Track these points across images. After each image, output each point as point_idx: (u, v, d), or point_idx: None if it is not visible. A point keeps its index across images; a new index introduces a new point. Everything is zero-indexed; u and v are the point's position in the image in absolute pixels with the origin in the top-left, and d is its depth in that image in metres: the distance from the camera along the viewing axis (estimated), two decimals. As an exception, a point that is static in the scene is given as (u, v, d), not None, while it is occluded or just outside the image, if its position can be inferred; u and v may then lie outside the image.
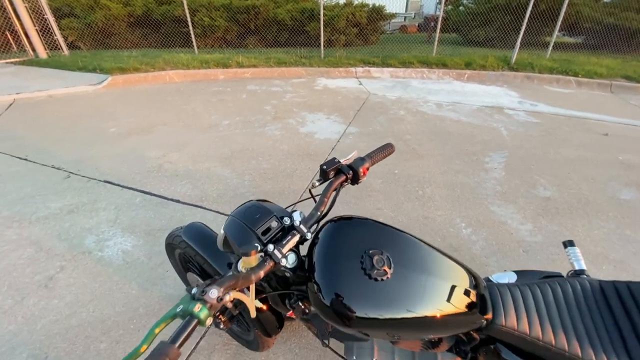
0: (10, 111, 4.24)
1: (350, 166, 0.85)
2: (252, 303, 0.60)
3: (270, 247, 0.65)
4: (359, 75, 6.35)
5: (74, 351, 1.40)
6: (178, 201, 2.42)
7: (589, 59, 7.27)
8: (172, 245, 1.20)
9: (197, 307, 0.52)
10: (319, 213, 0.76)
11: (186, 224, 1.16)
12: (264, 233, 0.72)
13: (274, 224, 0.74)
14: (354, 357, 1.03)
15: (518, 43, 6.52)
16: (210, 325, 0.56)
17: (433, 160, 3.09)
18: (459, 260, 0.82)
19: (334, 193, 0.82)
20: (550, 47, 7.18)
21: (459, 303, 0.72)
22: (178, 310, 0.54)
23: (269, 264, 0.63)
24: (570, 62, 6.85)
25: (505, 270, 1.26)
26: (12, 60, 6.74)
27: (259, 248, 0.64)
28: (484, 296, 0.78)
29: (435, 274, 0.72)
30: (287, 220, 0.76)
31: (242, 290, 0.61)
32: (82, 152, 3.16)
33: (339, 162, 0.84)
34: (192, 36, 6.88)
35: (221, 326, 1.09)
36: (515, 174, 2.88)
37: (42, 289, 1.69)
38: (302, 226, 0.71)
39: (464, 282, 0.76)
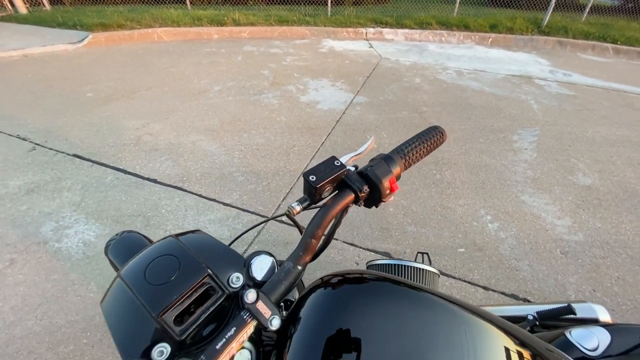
0: (-20, 71, 3.81)
1: (366, 176, 0.45)
2: None
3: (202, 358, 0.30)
4: (370, 37, 5.69)
5: (12, 372, 1.15)
6: (155, 181, 2.09)
7: (629, 23, 6.44)
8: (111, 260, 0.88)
9: None
10: (299, 267, 0.40)
11: (120, 232, 0.81)
12: (181, 321, 0.36)
13: (208, 289, 0.38)
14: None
15: (552, 3, 5.72)
16: None
17: (453, 137, 2.67)
18: (524, 336, 0.46)
19: (331, 223, 0.45)
20: (587, 9, 6.34)
21: None
22: None
23: None
24: (608, 26, 6.07)
25: (587, 302, 0.88)
26: (-12, 14, 6.13)
27: None
28: None
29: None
30: (236, 282, 0.40)
31: None
32: (53, 120, 2.78)
33: (342, 165, 0.44)
34: (184, -12, 6.14)
35: None
36: (549, 156, 2.48)
37: (-16, 288, 1.42)
38: (260, 302, 0.34)
39: None
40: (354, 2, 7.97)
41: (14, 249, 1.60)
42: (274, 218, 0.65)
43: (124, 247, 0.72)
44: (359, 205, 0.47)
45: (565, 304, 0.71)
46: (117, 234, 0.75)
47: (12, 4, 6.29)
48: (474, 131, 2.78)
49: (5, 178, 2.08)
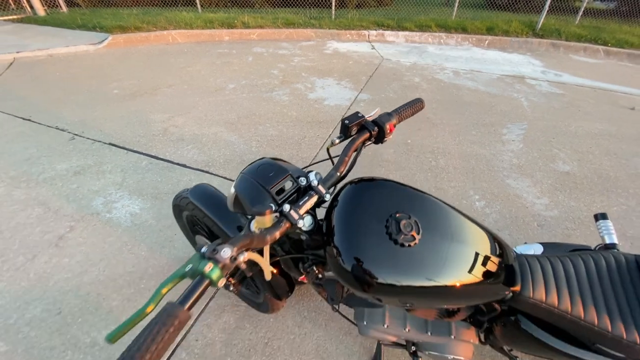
0: (10, 70, 4.12)
1: (375, 122, 0.76)
2: (267, 265, 0.56)
3: (286, 207, 0.59)
4: (372, 39, 5.98)
5: (87, 307, 1.43)
6: (184, 166, 2.38)
7: (620, 26, 6.71)
8: (179, 207, 1.16)
9: (209, 267, 0.47)
10: (338, 174, 0.69)
11: (193, 185, 1.11)
12: (278, 193, 0.66)
13: (289, 183, 0.68)
14: (364, 322, 1.01)
15: (546, 7, 6.01)
16: (221, 286, 0.51)
17: (448, 130, 2.96)
18: (488, 229, 0.76)
19: (354, 153, 0.74)
20: (580, 13, 6.62)
21: (485, 273, 0.67)
22: (187, 269, 0.49)
23: (285, 225, 0.57)
24: (600, 29, 6.34)
25: (525, 243, 1.21)
26: (10, 17, 6.46)
27: (274, 208, 0.58)
28: (513, 267, 0.73)
29: (463, 241, 0.66)
30: (303, 181, 0.69)
31: (256, 252, 0.56)
32: (86, 113, 3.08)
33: (362, 117, 0.75)
34: (195, -7, 6.45)
35: (231, 288, 1.07)
36: (534, 147, 2.76)
37: (53, 248, 1.70)
38: (320, 187, 0.64)
39: (492, 251, 0.70)
40: (356, 5, 8.29)
41: (72, 218, 1.89)
42: (319, 162, 0.94)
43: (201, 191, 1.03)
44: (371, 142, 0.76)
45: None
46: (187, 189, 1.06)
47: (31, 6, 6.63)
48: (467, 125, 3.06)
49: (53, 162, 2.37)
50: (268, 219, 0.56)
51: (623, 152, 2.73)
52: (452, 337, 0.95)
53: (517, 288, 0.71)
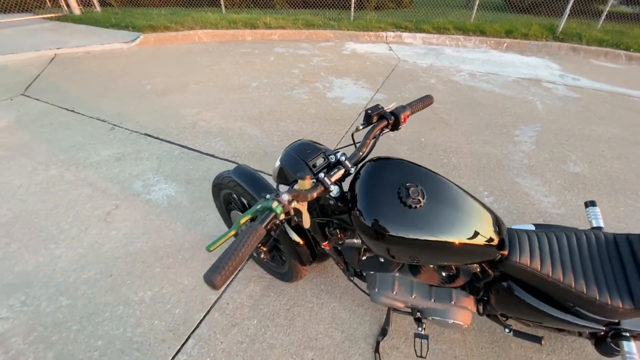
0: (52, 65, 4.48)
1: (392, 112, 0.93)
2: (307, 214, 0.73)
3: (321, 175, 0.76)
4: (390, 41, 6.10)
5: (134, 272, 1.65)
6: (213, 156, 2.59)
7: (646, 30, 6.57)
8: (220, 185, 1.36)
9: (275, 204, 0.65)
10: (360, 153, 0.87)
11: (233, 167, 1.30)
12: (314, 166, 0.84)
13: (322, 159, 0.86)
14: (376, 290, 1.18)
15: (567, 10, 5.97)
16: (282, 221, 0.68)
17: (461, 130, 3.07)
18: (485, 204, 0.91)
19: (374, 138, 0.91)
20: (603, 17, 6.52)
21: (479, 236, 0.82)
22: (258, 207, 0.67)
23: (320, 189, 0.75)
24: (623, 34, 6.23)
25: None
26: (49, 15, 6.92)
27: (312, 175, 0.76)
28: (503, 234, 0.88)
29: (462, 209, 0.82)
30: (332, 157, 0.87)
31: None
32: (123, 106, 3.36)
33: (382, 108, 0.92)
34: (220, -6, 6.73)
35: (262, 256, 1.26)
36: (546, 148, 2.83)
37: (102, 222, 1.94)
38: (346, 162, 0.82)
39: (486, 220, 0.86)
40: (375, 7, 8.40)
41: (116, 197, 2.13)
42: (345, 146, 1.12)
43: (242, 171, 1.22)
44: (389, 129, 0.93)
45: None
46: (228, 170, 1.26)
47: (68, 5, 7.08)
48: (480, 125, 3.16)
49: (97, 149, 2.64)
50: (308, 183, 0.73)
51: (635, 156, 2.78)
52: (453, 303, 1.10)
53: (505, 252, 0.86)
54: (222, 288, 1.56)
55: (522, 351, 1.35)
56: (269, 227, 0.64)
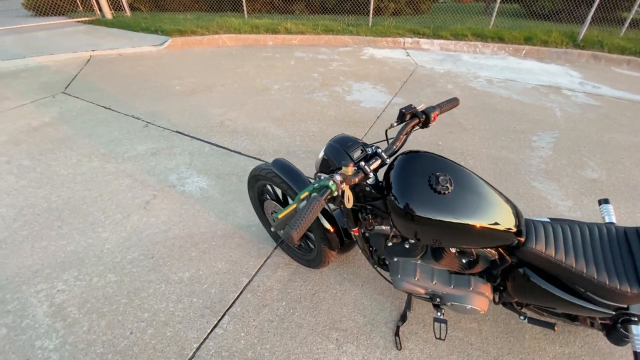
0: (89, 66, 4.79)
1: (423, 111, 1.05)
2: (351, 195, 0.85)
3: (362, 163, 0.89)
4: (407, 46, 6.20)
5: (173, 255, 1.81)
6: (240, 153, 2.76)
7: (672, 38, 6.43)
8: (257, 177, 1.50)
9: (331, 183, 0.78)
10: (394, 147, 0.99)
11: (271, 160, 1.44)
12: (354, 156, 0.97)
13: (360, 151, 0.98)
14: (399, 276, 1.28)
15: (589, 17, 5.93)
16: (335, 194, 0.80)
17: (478, 134, 3.14)
18: (505, 196, 1.01)
19: (406, 134, 1.04)
20: (627, 24, 6.43)
21: (499, 222, 0.92)
22: (315, 185, 0.81)
23: (360, 175, 0.87)
24: (648, 41, 6.13)
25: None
26: (83, 19, 7.36)
27: (354, 163, 0.88)
28: (521, 223, 0.98)
29: (484, 197, 0.93)
30: (369, 150, 0.99)
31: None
32: (154, 105, 3.58)
33: (414, 107, 1.05)
34: (244, 0, 7.00)
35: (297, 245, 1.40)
36: (563, 154, 2.87)
37: (142, 210, 2.12)
38: (382, 154, 0.94)
39: (506, 209, 0.96)
40: (393, 13, 8.53)
41: (154, 189, 2.32)
42: (379, 141, 1.24)
43: (280, 163, 1.35)
44: (419, 126, 1.04)
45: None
46: (265, 162, 1.41)
47: (100, 10, 7.50)
48: (497, 131, 3.22)
49: (134, 144, 2.85)
50: (350, 170, 0.85)
51: (656, 164, 2.78)
52: (471, 289, 1.20)
53: (523, 239, 0.96)
54: (253, 272, 1.70)
55: (536, 342, 1.43)
56: (326, 198, 0.77)
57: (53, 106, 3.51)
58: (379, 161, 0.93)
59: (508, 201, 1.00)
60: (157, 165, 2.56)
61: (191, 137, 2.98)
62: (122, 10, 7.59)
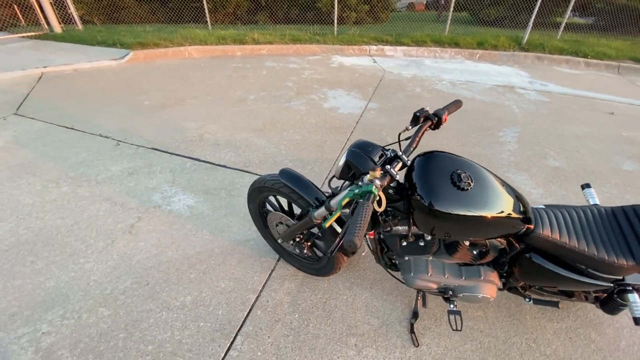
0: (41, 84, 4.39)
1: (435, 114, 1.10)
2: (384, 197, 0.86)
3: (387, 167, 0.92)
4: (373, 54, 6.45)
5: (170, 279, 1.70)
6: (225, 166, 2.68)
7: (598, 40, 7.35)
8: (262, 188, 1.47)
9: (374, 187, 0.80)
10: (411, 148, 1.03)
11: (278, 170, 1.42)
12: (375, 160, 1.00)
13: (381, 154, 1.01)
14: (412, 274, 1.32)
15: (530, 23, 6.59)
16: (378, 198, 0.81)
17: (451, 134, 3.34)
18: (511, 186, 1.10)
19: (419, 137, 1.09)
20: (562, 28, 7.24)
21: (512, 212, 1.00)
22: (356, 191, 0.81)
23: (388, 178, 0.90)
24: (580, 43, 6.95)
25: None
26: (27, 34, 6.75)
27: (381, 167, 0.91)
28: (529, 211, 1.06)
29: (498, 190, 0.99)
30: (389, 153, 1.03)
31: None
32: (123, 122, 3.37)
33: (427, 110, 1.10)
34: (206, 11, 6.87)
35: (305, 251, 1.39)
36: (528, 147, 3.14)
37: (127, 234, 1.98)
38: (403, 156, 0.98)
39: (516, 199, 1.03)
40: (354, 22, 8.84)
41: (137, 210, 2.17)
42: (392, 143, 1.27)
43: (288, 173, 1.34)
44: (431, 128, 1.10)
45: None
46: (269, 174, 1.39)
47: (48, 23, 6.94)
48: (467, 129, 3.45)
49: (107, 165, 2.65)
50: (378, 174, 0.88)
51: (605, 150, 3.14)
52: (482, 278, 1.27)
53: (532, 226, 1.04)
54: (260, 287, 1.65)
55: (537, 321, 1.54)
56: (372, 202, 0.78)
57: (5, 129, 3.17)
58: (400, 164, 0.96)
59: (516, 191, 1.08)
60: (137, 186, 2.40)
61: (170, 153, 2.84)
62: (73, 23, 7.07)
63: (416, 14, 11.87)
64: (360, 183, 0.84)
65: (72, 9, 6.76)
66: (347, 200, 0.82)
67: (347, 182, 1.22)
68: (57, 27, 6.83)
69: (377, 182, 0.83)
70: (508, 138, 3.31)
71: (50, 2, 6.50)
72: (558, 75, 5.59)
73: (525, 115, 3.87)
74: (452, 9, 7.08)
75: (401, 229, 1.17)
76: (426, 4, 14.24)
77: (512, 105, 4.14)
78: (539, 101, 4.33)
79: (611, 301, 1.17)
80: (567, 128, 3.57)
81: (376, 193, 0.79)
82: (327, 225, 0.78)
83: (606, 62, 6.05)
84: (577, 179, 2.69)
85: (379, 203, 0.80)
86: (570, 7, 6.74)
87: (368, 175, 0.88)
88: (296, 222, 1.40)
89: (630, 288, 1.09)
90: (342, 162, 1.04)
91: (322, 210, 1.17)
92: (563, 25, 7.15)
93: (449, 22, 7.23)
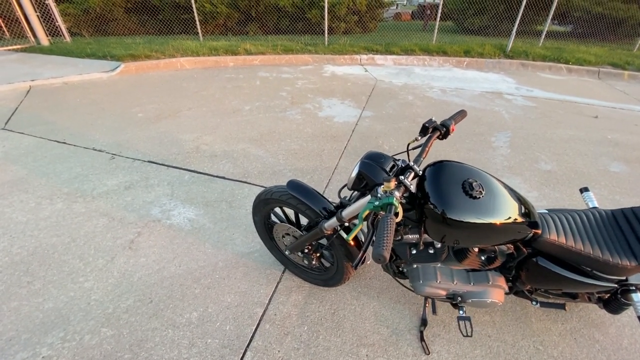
0: (30, 98, 4.31)
1: (442, 124, 1.13)
2: (401, 209, 0.88)
3: (402, 177, 0.93)
4: (364, 63, 6.57)
5: (174, 296, 1.67)
6: (224, 177, 2.66)
7: (578, 47, 7.68)
8: (268, 200, 1.46)
9: (394, 199, 0.81)
10: (421, 158, 1.05)
11: (278, 181, 1.43)
12: (387, 171, 1.01)
13: (393, 165, 1.03)
14: (420, 282, 1.33)
15: (514, 32, 6.84)
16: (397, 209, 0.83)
17: (446, 140, 3.39)
18: (522, 195, 1.13)
19: (429, 147, 1.11)
20: (543, 36, 7.54)
21: (520, 218, 1.02)
22: (376, 204, 0.82)
23: (403, 188, 0.91)
24: (561, 50, 7.24)
25: None
26: (13, 47, 6.63)
27: (395, 178, 0.92)
28: (535, 216, 1.09)
29: (507, 197, 1.02)
30: (400, 163, 1.05)
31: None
32: (117, 135, 3.32)
33: (435, 121, 1.13)
34: (197, 23, 6.89)
35: (314, 262, 1.39)
36: (519, 151, 3.23)
37: (127, 250, 1.93)
38: (415, 166, 1.00)
39: (524, 205, 1.06)
40: (344, 32, 9.00)
41: (136, 225, 2.13)
42: (400, 152, 1.29)
43: (295, 184, 1.35)
44: (440, 138, 1.12)
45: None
46: (275, 185, 1.40)
47: (35, 36, 6.83)
48: (461, 135, 3.53)
49: (102, 179, 2.60)
50: (393, 184, 0.89)
51: (592, 152, 3.25)
52: (490, 283, 1.29)
53: (539, 231, 1.07)
54: (267, 300, 1.64)
55: (542, 324, 1.56)
56: (394, 214, 0.79)
57: (-7, 145, 3.08)
58: (412, 174, 0.98)
59: (522, 197, 1.11)
60: (135, 200, 2.36)
61: (167, 165, 2.81)
62: (61, 35, 6.98)
63: (403, 24, 12.17)
64: (378, 195, 0.85)
65: (59, 21, 6.68)
66: (367, 212, 0.83)
67: (356, 193, 1.23)
68: (45, 40, 6.74)
69: (396, 193, 0.84)
70: (500, 143, 3.40)
71: (37, 15, 6.42)
72: (542, 81, 5.79)
73: (515, 120, 3.99)
74: (439, 17, 7.30)
75: (411, 237, 1.18)
76: (412, 13, 14.62)
77: (502, 111, 4.27)
78: (526, 106, 4.47)
79: (615, 301, 1.20)
80: (555, 132, 3.69)
81: (396, 204, 0.81)
82: (351, 237, 0.79)
83: (587, 68, 6.31)
84: (569, 181, 2.78)
85: (396, 214, 0.81)
86: (551, 16, 7.04)
87: (383, 186, 0.89)
88: (304, 234, 1.40)
89: (634, 288, 1.13)
90: (354, 173, 1.06)
91: (333, 221, 1.18)
92: (544, 33, 7.45)
93: (436, 31, 7.44)
